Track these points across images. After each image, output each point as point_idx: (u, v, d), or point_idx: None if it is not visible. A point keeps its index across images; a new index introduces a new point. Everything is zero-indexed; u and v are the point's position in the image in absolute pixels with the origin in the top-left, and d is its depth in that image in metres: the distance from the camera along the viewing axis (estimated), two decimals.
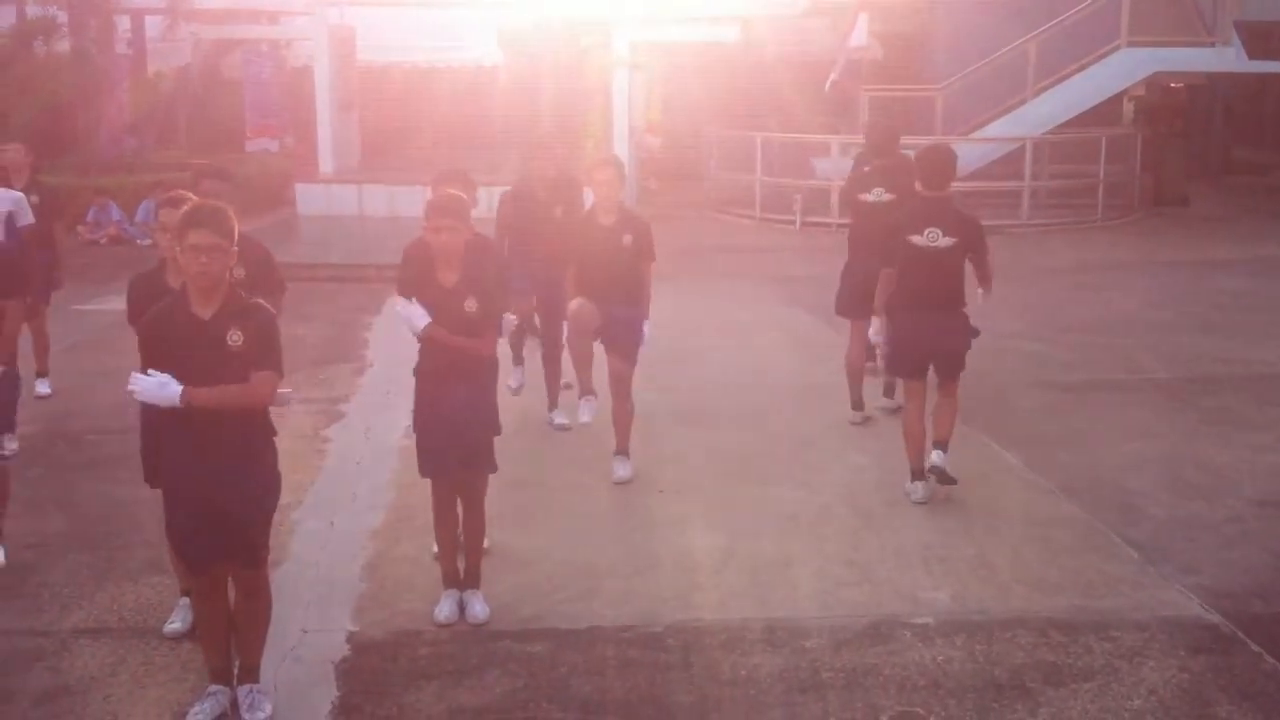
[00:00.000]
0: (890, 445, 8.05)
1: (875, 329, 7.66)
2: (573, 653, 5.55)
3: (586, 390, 8.01)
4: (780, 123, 20.62)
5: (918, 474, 7.42)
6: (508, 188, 9.07)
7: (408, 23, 22.27)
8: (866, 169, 9.09)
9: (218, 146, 21.46)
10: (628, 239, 7.65)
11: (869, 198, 8.80)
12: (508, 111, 23.13)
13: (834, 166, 18.93)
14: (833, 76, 20.51)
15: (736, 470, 7.97)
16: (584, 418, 8.01)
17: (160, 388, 4.65)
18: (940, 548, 6.69)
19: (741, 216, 19.46)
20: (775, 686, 5.28)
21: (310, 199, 19.19)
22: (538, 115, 20.43)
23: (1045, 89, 19.60)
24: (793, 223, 18.67)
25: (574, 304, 7.77)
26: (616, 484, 7.69)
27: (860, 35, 20.43)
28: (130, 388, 4.70)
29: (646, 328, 7.77)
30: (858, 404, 8.93)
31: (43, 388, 9.70)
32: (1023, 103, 19.64)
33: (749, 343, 11.54)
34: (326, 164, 19.72)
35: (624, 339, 7.72)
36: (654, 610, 5.96)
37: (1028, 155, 18.75)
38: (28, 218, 9.09)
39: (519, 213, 8.68)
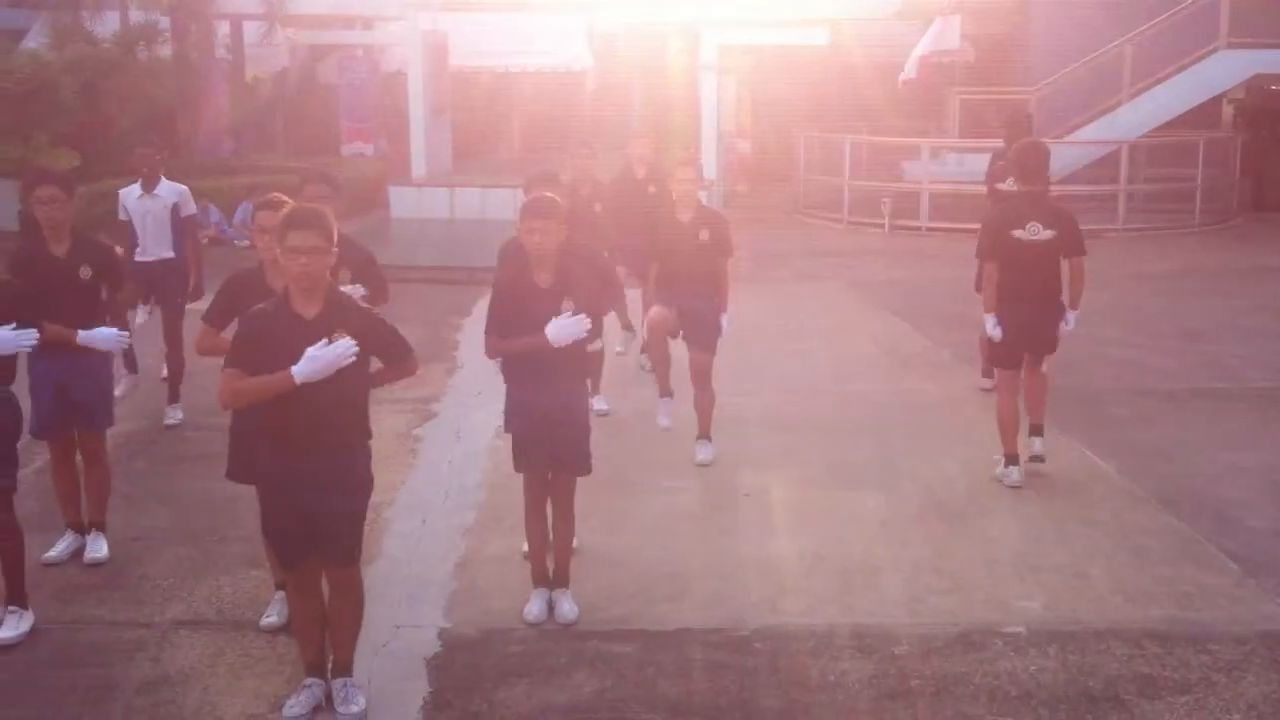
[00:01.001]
0: (981, 451, 7.98)
1: (992, 325, 7.64)
2: (661, 654, 5.57)
3: (665, 391, 8.39)
4: (870, 126, 20.50)
5: (1012, 459, 7.63)
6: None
7: (499, 28, 22.46)
8: (1001, 163, 9.67)
9: (314, 150, 21.83)
10: (704, 234, 7.95)
11: (1003, 187, 9.37)
12: (597, 115, 23.25)
13: (923, 169, 18.83)
14: (905, 74, 20.35)
15: (824, 474, 7.94)
16: (663, 421, 8.37)
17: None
18: (1033, 556, 6.61)
19: (830, 220, 19.37)
20: (864, 693, 5.25)
21: (403, 202, 19.46)
22: (627, 118, 20.51)
23: (1141, 91, 19.27)
24: (881, 226, 18.55)
25: (653, 311, 8.13)
26: (699, 465, 7.97)
27: (949, 36, 20.21)
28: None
29: (724, 320, 8.04)
30: (988, 372, 9.19)
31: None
32: (1118, 105, 19.32)
33: (835, 346, 11.48)
34: (419, 167, 19.97)
35: (702, 332, 8.01)
36: (741, 614, 5.96)
37: (1124, 159, 18.44)
38: (190, 208, 9.28)
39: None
